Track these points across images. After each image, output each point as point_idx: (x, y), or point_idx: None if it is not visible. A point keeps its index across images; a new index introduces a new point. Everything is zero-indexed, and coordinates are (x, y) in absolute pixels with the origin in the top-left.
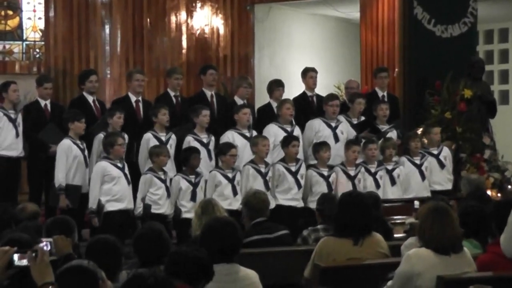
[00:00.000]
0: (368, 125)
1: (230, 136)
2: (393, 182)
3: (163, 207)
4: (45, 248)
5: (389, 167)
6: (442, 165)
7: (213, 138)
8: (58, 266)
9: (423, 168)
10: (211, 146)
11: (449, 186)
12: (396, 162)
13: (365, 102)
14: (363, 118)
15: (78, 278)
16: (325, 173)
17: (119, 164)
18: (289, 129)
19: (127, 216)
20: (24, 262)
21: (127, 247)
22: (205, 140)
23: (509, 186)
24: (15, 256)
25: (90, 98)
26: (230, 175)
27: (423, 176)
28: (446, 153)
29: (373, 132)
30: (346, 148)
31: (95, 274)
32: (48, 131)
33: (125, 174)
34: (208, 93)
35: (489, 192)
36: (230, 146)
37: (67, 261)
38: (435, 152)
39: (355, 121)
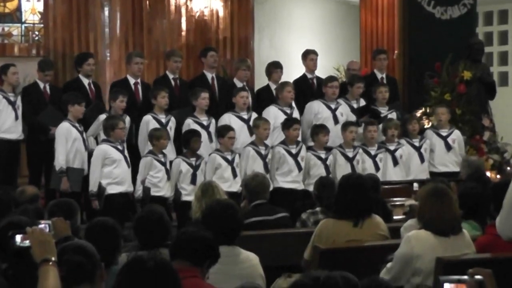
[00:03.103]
0: (368, 110)
1: (227, 118)
2: (395, 162)
3: (163, 190)
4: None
5: (392, 148)
6: (448, 147)
7: (213, 120)
8: (57, 248)
9: (422, 150)
10: (212, 129)
11: (454, 168)
12: (399, 143)
13: (364, 85)
14: (362, 101)
15: (80, 256)
16: (323, 156)
17: (119, 147)
18: (288, 111)
19: (127, 199)
20: (27, 243)
21: (127, 230)
22: (205, 123)
23: (508, 168)
24: (17, 237)
25: (85, 81)
26: (229, 157)
27: (422, 159)
28: (456, 136)
29: (374, 118)
30: (343, 129)
31: (96, 253)
32: (47, 113)
33: (125, 157)
34: (209, 75)
35: (488, 174)
36: (228, 128)
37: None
38: (444, 134)
39: (354, 104)
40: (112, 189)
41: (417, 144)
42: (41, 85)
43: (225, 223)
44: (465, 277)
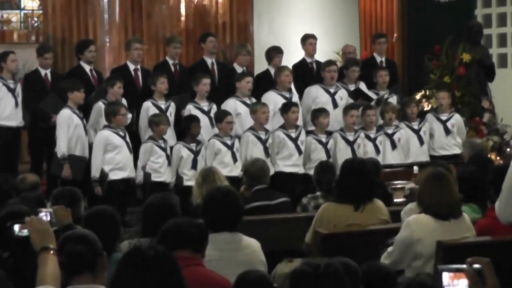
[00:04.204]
0: (360, 93)
1: (232, 103)
2: (393, 146)
3: (163, 175)
4: (44, 218)
5: (389, 131)
6: (447, 131)
7: (214, 106)
8: (58, 236)
9: (421, 133)
10: (213, 114)
11: (454, 150)
12: (397, 126)
13: (359, 69)
14: (363, 84)
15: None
16: (323, 140)
17: (121, 133)
18: (287, 95)
19: (129, 185)
20: (25, 232)
21: (128, 215)
22: (206, 108)
23: (508, 149)
24: (16, 227)
25: (87, 68)
26: (229, 142)
27: (421, 141)
28: (455, 120)
29: (366, 100)
30: (344, 113)
31: (98, 242)
32: (49, 101)
33: (127, 143)
34: (209, 61)
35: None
36: (226, 113)
37: (67, 231)
38: (444, 118)
39: (351, 88)
40: (114, 175)
41: (416, 127)
42: (42, 72)
43: (226, 209)
44: (464, 266)
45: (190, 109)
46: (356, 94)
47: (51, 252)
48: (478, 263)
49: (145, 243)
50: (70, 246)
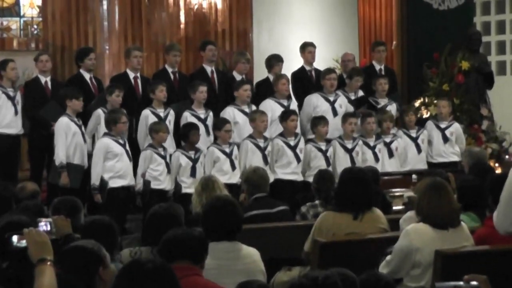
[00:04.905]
0: (365, 101)
1: (230, 112)
2: (390, 154)
3: (163, 183)
4: (44, 228)
5: (387, 140)
6: (446, 139)
7: (211, 113)
8: (58, 246)
9: (419, 141)
10: (209, 122)
11: (452, 158)
12: (394, 135)
13: (363, 79)
14: (361, 92)
15: (80, 259)
16: (323, 148)
17: (120, 141)
18: (285, 103)
19: (129, 193)
20: (24, 243)
21: (128, 223)
22: (202, 116)
23: (507, 157)
24: (14, 237)
25: (87, 76)
26: (227, 150)
27: (419, 149)
28: (454, 129)
29: (371, 109)
30: (343, 121)
31: (97, 255)
32: (49, 108)
33: (126, 151)
34: (209, 69)
35: None
36: (225, 121)
37: (67, 241)
38: (443, 126)
39: (352, 96)
40: (114, 183)
41: (414, 135)
42: (43, 80)
43: (225, 219)
44: (461, 283)
45: (187, 116)
46: (360, 102)
47: (48, 263)
48: (476, 280)
49: (146, 253)
50: (68, 258)
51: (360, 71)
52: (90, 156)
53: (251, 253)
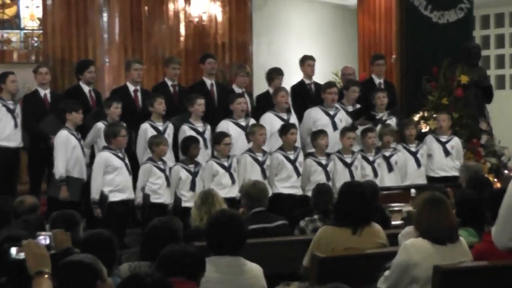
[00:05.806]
0: (364, 112)
1: (224, 125)
2: (390, 169)
3: (163, 197)
4: (43, 241)
5: (387, 154)
6: (447, 153)
7: (209, 127)
8: (58, 260)
9: (418, 155)
10: (207, 135)
11: (453, 172)
12: (395, 149)
13: (360, 89)
14: (358, 105)
15: (77, 273)
16: (323, 162)
17: (120, 155)
18: (285, 117)
19: (128, 206)
20: (22, 255)
21: (127, 237)
22: (200, 129)
23: (506, 171)
24: (13, 250)
25: (86, 88)
26: (226, 163)
27: (418, 164)
28: (454, 143)
29: (369, 119)
30: (341, 135)
31: (94, 269)
32: (48, 121)
33: (126, 165)
34: (208, 82)
35: None
36: (224, 135)
37: (66, 255)
38: (444, 139)
39: (350, 109)
40: (113, 197)
41: (413, 149)
42: (42, 93)
43: (231, 233)
44: None
45: (185, 129)
46: (358, 114)
47: (46, 276)
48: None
49: (145, 268)
50: (66, 273)
51: (357, 81)
52: (87, 167)
53: (253, 269)
